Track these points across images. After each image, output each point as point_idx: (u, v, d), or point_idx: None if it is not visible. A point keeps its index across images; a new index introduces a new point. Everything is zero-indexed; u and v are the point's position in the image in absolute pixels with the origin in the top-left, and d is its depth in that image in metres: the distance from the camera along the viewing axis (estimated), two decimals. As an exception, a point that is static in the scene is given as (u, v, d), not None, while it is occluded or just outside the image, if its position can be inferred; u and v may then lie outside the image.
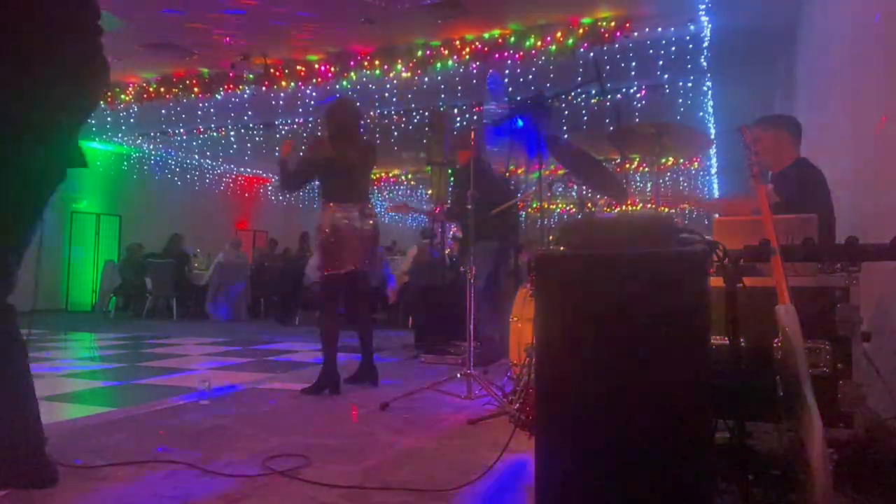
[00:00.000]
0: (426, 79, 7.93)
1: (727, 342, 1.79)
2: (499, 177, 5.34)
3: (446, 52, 7.39)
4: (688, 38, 6.72)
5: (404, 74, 7.73)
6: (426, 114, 9.68)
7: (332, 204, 3.81)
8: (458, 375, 3.57)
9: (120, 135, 11.58)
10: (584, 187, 3.49)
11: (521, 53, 7.10)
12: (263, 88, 8.31)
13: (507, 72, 7.40)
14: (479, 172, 3.85)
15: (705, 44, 6.82)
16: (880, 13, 3.12)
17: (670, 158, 12.26)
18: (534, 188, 3.63)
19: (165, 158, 13.46)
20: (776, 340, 1.80)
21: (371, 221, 3.93)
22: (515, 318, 4.00)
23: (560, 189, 3.63)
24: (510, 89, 7.60)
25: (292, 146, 4.24)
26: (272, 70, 7.98)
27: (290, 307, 9.83)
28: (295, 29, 7.08)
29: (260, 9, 6.52)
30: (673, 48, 6.91)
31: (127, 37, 7.08)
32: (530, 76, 7.57)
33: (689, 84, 8.10)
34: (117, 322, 9.75)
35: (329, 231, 3.77)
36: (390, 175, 15.24)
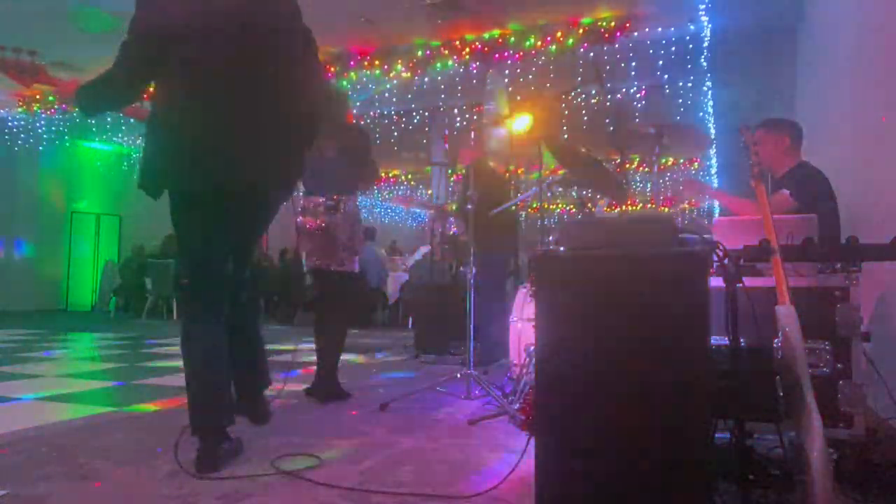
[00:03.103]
0: (426, 79, 7.93)
1: (727, 342, 1.79)
2: (500, 177, 5.35)
3: (446, 52, 7.39)
4: (688, 38, 6.72)
5: (404, 74, 7.73)
6: (426, 114, 9.68)
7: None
8: (458, 375, 3.57)
9: (120, 135, 11.58)
10: (584, 188, 3.49)
11: (521, 53, 7.10)
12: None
13: (507, 72, 7.40)
14: (484, 175, 3.82)
15: (705, 44, 6.82)
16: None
17: (670, 158, 12.27)
18: (534, 188, 3.63)
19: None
20: (776, 340, 1.80)
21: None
22: (515, 318, 4.00)
23: (559, 190, 3.63)
24: (510, 89, 7.60)
25: None
26: None
27: (290, 307, 9.83)
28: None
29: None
30: (673, 48, 6.91)
31: (127, 37, 7.07)
32: (530, 76, 7.57)
33: (689, 84, 8.11)
34: (117, 322, 9.75)
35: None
36: (390, 175, 15.24)
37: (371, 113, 9.56)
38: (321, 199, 3.49)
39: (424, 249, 9.14)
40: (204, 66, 2.18)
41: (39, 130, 10.87)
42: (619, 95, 8.36)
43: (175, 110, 2.19)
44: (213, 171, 2.21)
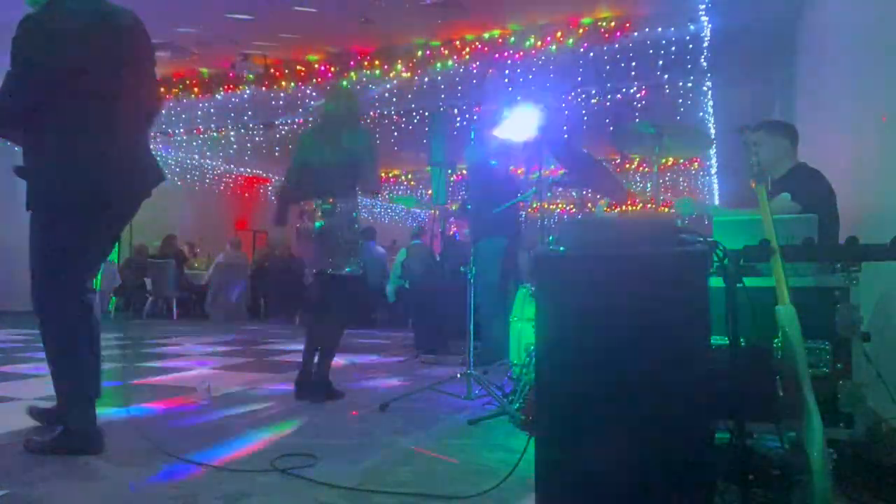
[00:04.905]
0: (426, 79, 7.93)
1: (727, 342, 1.79)
2: (502, 176, 5.34)
3: (446, 52, 7.39)
4: (688, 38, 6.72)
5: (404, 74, 7.73)
6: (426, 114, 9.68)
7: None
8: (458, 375, 3.57)
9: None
10: (584, 188, 3.49)
11: (521, 53, 7.10)
12: (263, 88, 8.31)
13: (507, 72, 7.40)
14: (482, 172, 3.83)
15: (705, 44, 6.82)
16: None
17: (670, 158, 12.26)
18: (534, 188, 3.63)
19: (165, 158, 13.45)
20: (776, 340, 1.80)
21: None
22: (515, 318, 4.01)
23: (559, 190, 3.63)
24: (510, 89, 7.60)
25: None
26: (272, 70, 7.99)
27: (291, 307, 9.82)
28: (295, 29, 7.08)
29: (260, 8, 6.53)
30: (673, 48, 6.91)
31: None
32: (530, 76, 7.57)
33: (689, 84, 8.10)
34: (117, 322, 9.74)
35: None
36: (390, 175, 15.23)
37: (371, 113, 9.55)
38: (318, 202, 3.54)
39: (401, 256, 9.16)
40: (100, 89, 2.39)
41: (40, 130, 10.86)
42: (619, 95, 8.35)
43: (81, 131, 2.38)
44: (121, 181, 2.47)
